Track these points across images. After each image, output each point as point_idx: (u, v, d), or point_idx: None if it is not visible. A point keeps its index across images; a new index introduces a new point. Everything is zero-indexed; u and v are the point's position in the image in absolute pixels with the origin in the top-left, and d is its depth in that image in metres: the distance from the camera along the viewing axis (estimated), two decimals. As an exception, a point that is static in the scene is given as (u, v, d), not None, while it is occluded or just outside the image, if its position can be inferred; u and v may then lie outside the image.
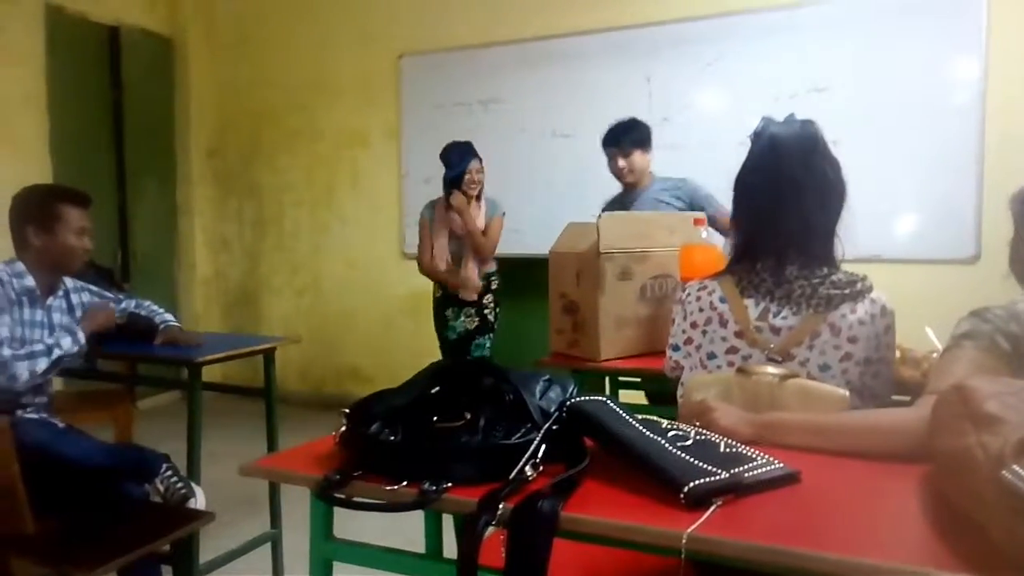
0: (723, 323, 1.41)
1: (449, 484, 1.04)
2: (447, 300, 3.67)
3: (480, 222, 3.58)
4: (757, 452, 1.09)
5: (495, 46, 4.65)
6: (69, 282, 2.36)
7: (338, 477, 1.08)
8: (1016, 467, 0.75)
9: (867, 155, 3.68)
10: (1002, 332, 1.19)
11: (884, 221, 3.76)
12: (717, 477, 0.98)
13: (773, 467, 1.05)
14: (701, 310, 1.44)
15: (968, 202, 3.61)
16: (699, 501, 0.95)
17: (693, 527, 0.89)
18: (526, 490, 1.01)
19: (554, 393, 1.21)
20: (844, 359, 1.33)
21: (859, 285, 1.37)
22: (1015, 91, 3.52)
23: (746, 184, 1.47)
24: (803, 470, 1.05)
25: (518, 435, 1.10)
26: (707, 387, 1.35)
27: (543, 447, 1.08)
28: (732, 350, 1.39)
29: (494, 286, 3.71)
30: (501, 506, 0.99)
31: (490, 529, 0.99)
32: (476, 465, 1.07)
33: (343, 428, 1.16)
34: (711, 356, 1.41)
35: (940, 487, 0.98)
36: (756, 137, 1.46)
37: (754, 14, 4.03)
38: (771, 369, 1.30)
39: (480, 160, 3.57)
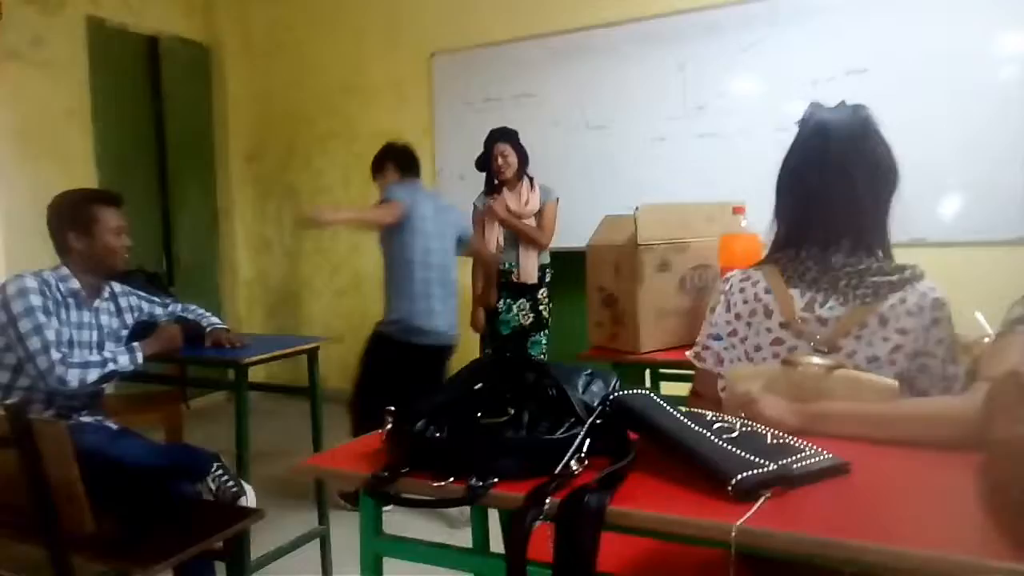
0: (768, 314, 1.38)
1: (495, 479, 1.05)
2: (498, 290, 3.64)
3: (534, 205, 3.59)
4: (805, 443, 1.08)
5: (525, 41, 4.64)
6: (116, 286, 2.43)
7: (386, 474, 1.09)
8: (1076, 454, 0.73)
9: (908, 136, 3.54)
10: (1059, 316, 1.16)
11: (928, 203, 3.67)
12: (765, 469, 0.98)
13: (822, 458, 1.03)
14: (746, 301, 1.41)
15: (1016, 181, 3.50)
16: (747, 493, 0.94)
17: (743, 519, 0.88)
18: (572, 484, 1.01)
19: (596, 387, 1.21)
20: (894, 351, 1.29)
21: (908, 273, 1.32)
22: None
23: (792, 170, 1.43)
24: (852, 460, 1.04)
25: (562, 430, 1.10)
26: (751, 379, 1.33)
27: (588, 441, 1.08)
28: (778, 341, 1.36)
29: (548, 279, 3.70)
30: (548, 500, 0.99)
31: (537, 523, 1.00)
32: (521, 460, 1.07)
33: (388, 426, 1.18)
34: (757, 348, 1.39)
35: (997, 476, 0.95)
36: (803, 123, 1.43)
37: (786, -2, 3.96)
38: (817, 360, 1.27)
39: (512, 143, 3.58)
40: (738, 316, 1.42)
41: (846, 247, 1.35)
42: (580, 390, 1.19)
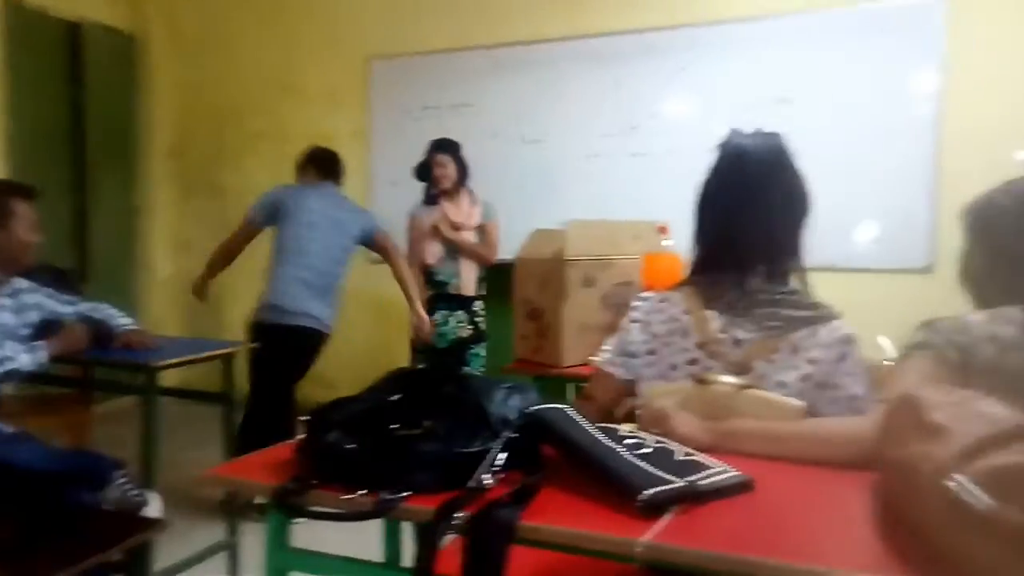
0: (685, 335, 1.40)
1: (408, 493, 1.03)
2: (435, 302, 3.62)
3: (474, 219, 3.58)
4: (713, 460, 1.10)
5: (465, 51, 4.65)
6: (21, 282, 2.31)
7: (295, 486, 1.07)
8: (958, 476, 0.77)
9: (826, 166, 3.71)
10: (952, 343, 1.22)
11: (842, 231, 3.83)
12: (673, 485, 0.99)
13: (728, 475, 1.06)
14: (664, 321, 1.43)
15: (923, 213, 3.70)
16: (655, 508, 0.96)
17: (648, 535, 0.89)
18: (484, 498, 1.01)
19: (515, 401, 1.21)
20: (802, 380, 1.32)
21: (822, 311, 1.36)
22: (971, 106, 3.61)
23: (710, 194, 1.46)
24: (758, 477, 1.07)
25: (478, 443, 1.10)
26: (666, 396, 1.36)
27: (502, 455, 1.08)
28: (693, 362, 1.39)
29: (484, 291, 3.69)
30: (459, 514, 0.98)
31: (449, 538, 0.99)
32: (435, 473, 1.06)
33: (301, 436, 1.15)
34: (673, 367, 1.40)
35: (889, 495, 1.00)
36: (722, 148, 1.46)
37: (721, 25, 4.09)
38: (729, 379, 1.31)
39: (452, 154, 3.58)
40: (655, 336, 1.44)
41: (762, 272, 1.39)
42: (498, 403, 1.18)
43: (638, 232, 2.29)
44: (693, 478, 1.02)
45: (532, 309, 2.23)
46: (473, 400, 1.16)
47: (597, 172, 4.35)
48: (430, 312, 3.60)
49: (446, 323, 3.60)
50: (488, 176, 4.50)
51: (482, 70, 4.63)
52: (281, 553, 1.18)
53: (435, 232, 3.57)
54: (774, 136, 1.44)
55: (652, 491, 0.97)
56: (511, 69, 4.55)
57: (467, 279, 3.60)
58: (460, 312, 3.61)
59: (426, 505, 1.01)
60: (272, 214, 3.32)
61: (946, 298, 1.47)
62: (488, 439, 1.11)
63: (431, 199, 3.65)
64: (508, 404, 1.19)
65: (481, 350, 3.65)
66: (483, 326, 3.66)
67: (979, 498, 0.75)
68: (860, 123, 3.82)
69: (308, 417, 1.17)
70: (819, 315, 1.35)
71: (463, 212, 3.60)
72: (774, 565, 0.85)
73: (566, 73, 4.42)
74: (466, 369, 3.55)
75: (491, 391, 1.19)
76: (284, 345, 3.22)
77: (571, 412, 1.17)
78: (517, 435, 1.11)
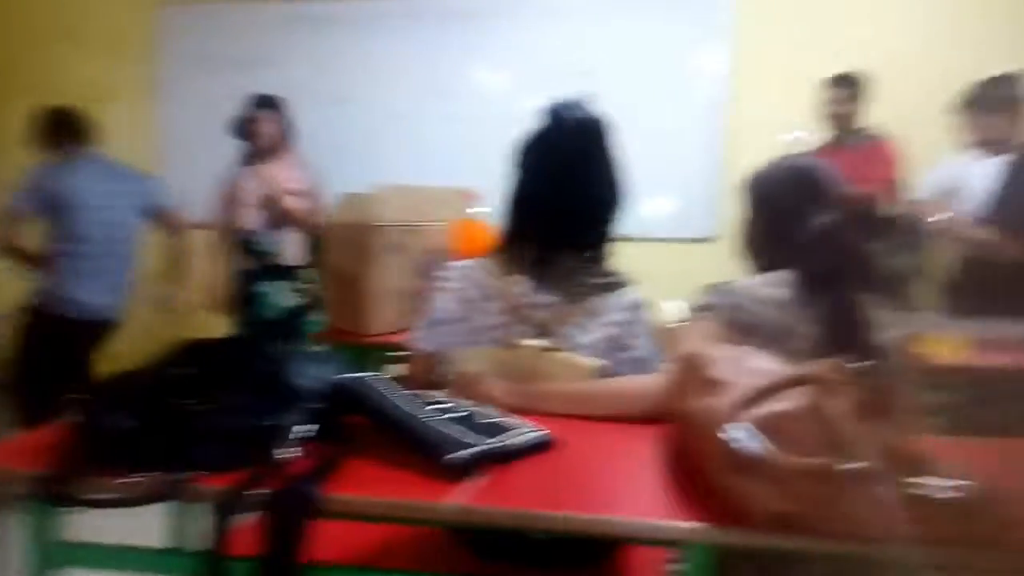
0: (493, 300, 1.41)
1: (195, 472, 0.96)
2: (261, 273, 3.35)
3: (298, 183, 3.34)
4: (519, 420, 1.13)
5: (268, 3, 4.36)
6: None
7: (61, 472, 0.95)
8: (736, 424, 0.84)
9: (626, 137, 3.94)
10: (730, 305, 1.34)
11: (637, 200, 4.06)
12: (478, 446, 1.00)
13: (533, 434, 1.09)
14: (475, 287, 1.42)
15: (709, 186, 4.02)
16: (462, 471, 0.96)
17: (452, 498, 0.90)
18: (285, 473, 0.97)
19: (320, 370, 1.16)
20: (601, 341, 1.38)
21: (619, 278, 1.43)
22: (753, 87, 3.95)
23: (530, 163, 1.45)
24: (562, 436, 1.11)
25: (279, 416, 1.04)
26: (473, 361, 1.37)
27: (304, 427, 1.03)
28: (501, 327, 1.40)
29: (312, 259, 3.46)
30: (256, 491, 0.93)
31: (246, 516, 0.93)
32: (228, 450, 0.99)
33: (74, 415, 1.03)
34: (482, 332, 1.41)
35: (676, 445, 1.08)
36: (543, 119, 1.45)
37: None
38: (533, 342, 1.35)
39: (273, 111, 3.33)
40: (465, 301, 1.43)
41: (571, 242, 1.42)
42: (301, 373, 1.13)
43: (448, 198, 2.28)
44: (498, 438, 1.04)
45: (341, 276, 2.16)
46: (273, 371, 1.10)
47: (407, 136, 4.28)
48: (251, 285, 3.35)
49: (267, 295, 3.35)
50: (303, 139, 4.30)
51: (285, 24, 4.36)
52: (45, 547, 1.05)
53: (263, 199, 3.30)
54: (595, 111, 1.45)
55: (458, 454, 0.97)
56: (315, 25, 4.33)
57: (292, 248, 3.38)
58: (284, 282, 3.38)
59: (220, 485, 0.94)
60: (39, 201, 2.98)
61: (727, 266, 1.61)
62: (290, 411, 1.05)
63: (250, 159, 3.39)
64: (312, 374, 1.14)
65: (318, 318, 3.46)
66: (318, 294, 3.47)
67: (751, 443, 0.82)
68: (656, 99, 4.05)
69: (81, 394, 1.04)
70: (616, 282, 1.42)
71: (287, 175, 3.37)
72: (574, 518, 0.88)
73: (372, 32, 4.29)
74: (300, 339, 3.36)
75: (292, 360, 1.13)
76: (60, 337, 2.96)
77: (378, 380, 1.15)
78: (321, 406, 1.07)
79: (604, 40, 4.09)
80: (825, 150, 3.48)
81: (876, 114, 3.50)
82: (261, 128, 3.29)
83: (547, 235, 1.42)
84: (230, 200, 3.35)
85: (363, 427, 1.10)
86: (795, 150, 3.37)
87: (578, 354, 1.36)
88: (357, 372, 1.16)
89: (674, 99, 4.06)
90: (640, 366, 1.38)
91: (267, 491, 0.93)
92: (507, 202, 1.48)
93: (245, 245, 3.35)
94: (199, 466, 0.96)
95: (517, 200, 1.46)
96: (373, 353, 2.35)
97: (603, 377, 1.34)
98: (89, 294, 3.03)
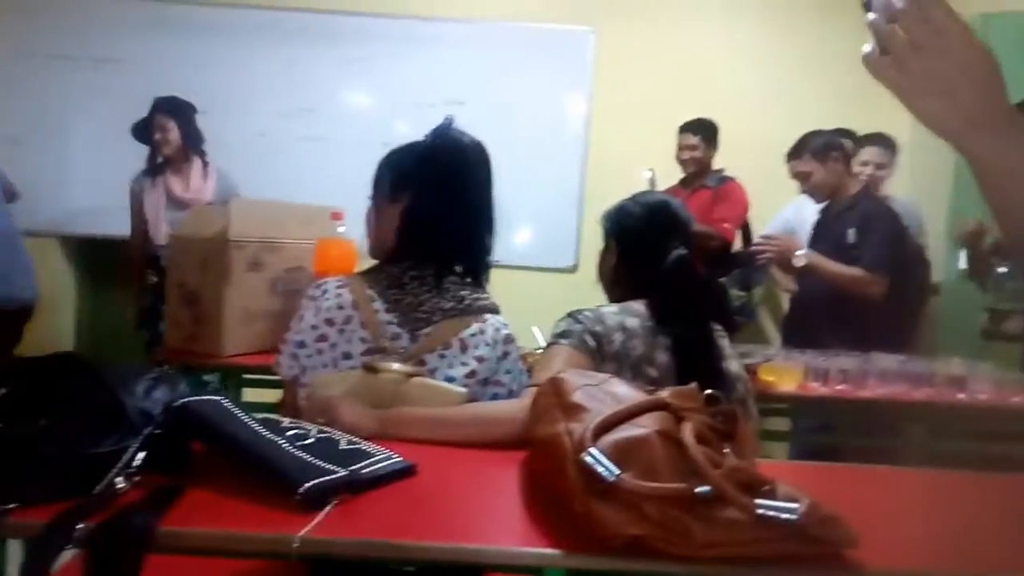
0: (359, 324, 1.38)
1: (14, 505, 0.86)
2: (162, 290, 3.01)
3: (203, 193, 3.10)
4: (378, 447, 1.09)
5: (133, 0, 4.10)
6: None
7: None
8: (593, 449, 0.85)
9: (495, 169, 4.02)
10: (590, 332, 1.37)
11: (505, 230, 4.12)
12: (335, 475, 0.96)
13: (392, 461, 1.06)
14: (340, 307, 1.38)
15: (571, 219, 4.15)
16: (316, 501, 0.92)
17: (306, 529, 0.85)
18: (116, 505, 0.88)
19: (160, 393, 1.08)
20: (469, 375, 1.38)
21: (488, 303, 1.44)
22: (611, 127, 4.14)
23: (400, 186, 1.44)
24: (421, 462, 1.08)
25: (110, 442, 0.95)
26: (334, 385, 1.33)
27: (140, 454, 0.95)
28: (368, 351, 1.37)
29: None
30: (82, 525, 0.84)
31: (65, 553, 0.84)
32: (54, 480, 0.90)
33: None
34: (347, 356, 1.37)
35: (536, 470, 1.08)
36: (428, 141, 1.45)
37: (400, 20, 4.15)
38: (397, 366, 1.32)
39: (176, 116, 3.10)
40: (330, 322, 1.39)
41: (445, 267, 1.42)
42: (139, 396, 1.05)
43: (310, 216, 2.21)
44: (356, 467, 1.00)
45: (189, 293, 2.03)
46: (107, 393, 1.01)
47: (268, 152, 4.14)
48: (157, 304, 3.06)
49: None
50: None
51: (135, 23, 4.10)
52: None
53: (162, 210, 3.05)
54: (477, 142, 1.47)
55: (312, 483, 0.93)
56: (170, 28, 4.11)
57: None
58: None
59: (40, 519, 0.84)
60: None
61: (587, 295, 1.66)
62: (125, 437, 0.97)
63: (153, 168, 3.13)
64: (152, 396, 1.05)
65: None
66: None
67: (606, 467, 0.83)
68: (523, 133, 4.15)
69: None
70: (485, 307, 1.42)
71: (190, 185, 3.14)
72: (428, 547, 0.86)
73: (235, 41, 4.13)
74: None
75: (130, 382, 1.04)
76: None
77: (227, 404, 1.08)
78: (160, 431, 0.99)
79: (474, 72, 4.16)
80: (679, 189, 3.70)
81: (727, 158, 3.76)
82: (159, 135, 3.08)
83: (422, 259, 1.41)
84: (136, 209, 3.11)
85: (210, 454, 1.03)
86: (650, 187, 3.57)
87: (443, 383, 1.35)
88: (206, 395, 1.09)
89: (540, 133, 4.18)
90: (503, 396, 1.40)
91: (93, 525, 0.84)
92: (379, 222, 1.46)
93: (151, 261, 3.09)
94: (20, 498, 0.86)
95: (389, 221, 1.44)
96: (227, 375, 2.23)
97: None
98: None
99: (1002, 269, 2.62)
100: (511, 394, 1.40)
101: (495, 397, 1.40)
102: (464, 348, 1.38)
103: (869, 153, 3.35)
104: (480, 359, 1.38)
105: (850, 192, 2.94)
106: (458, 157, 1.43)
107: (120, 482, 0.92)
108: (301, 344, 1.40)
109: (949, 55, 0.70)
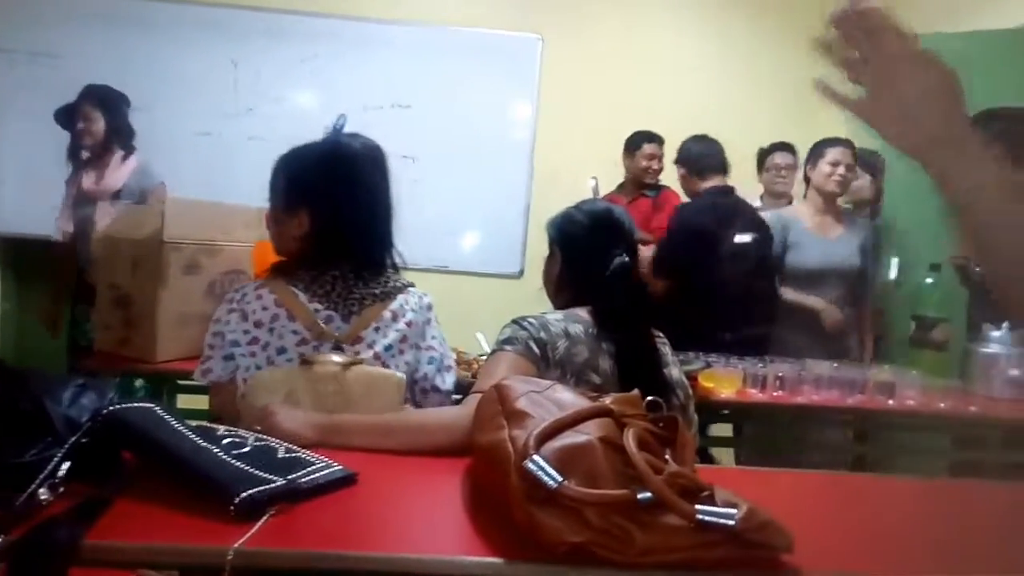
0: (292, 318, 1.38)
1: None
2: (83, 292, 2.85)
3: (113, 184, 2.95)
4: (317, 456, 1.07)
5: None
6: None
7: None
8: (536, 457, 0.85)
9: (441, 174, 4.02)
10: (534, 338, 1.37)
11: (451, 235, 4.12)
12: (272, 484, 0.94)
13: (331, 470, 1.04)
14: (264, 308, 1.39)
15: (517, 225, 4.16)
16: (251, 511, 0.89)
17: (241, 541, 0.83)
18: (39, 517, 0.85)
19: (88, 400, 1.04)
20: (402, 341, 1.43)
21: (405, 281, 1.51)
22: (556, 135, 4.17)
23: (308, 190, 1.47)
24: (362, 470, 1.07)
25: (34, 451, 0.91)
26: (272, 388, 1.30)
27: (66, 464, 0.91)
28: (303, 342, 1.37)
29: None
30: (1, 538, 0.80)
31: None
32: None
33: None
34: (281, 351, 1.37)
35: (478, 478, 1.08)
36: (322, 149, 1.49)
37: (349, 21, 4.10)
38: (335, 357, 1.33)
39: (100, 105, 2.96)
40: (258, 324, 1.39)
41: (358, 263, 1.45)
42: (65, 404, 1.01)
43: (251, 218, 2.15)
44: (294, 476, 0.98)
45: (120, 295, 1.96)
46: (30, 400, 0.96)
47: (210, 151, 4.04)
48: (76, 303, 2.90)
49: (88, 320, 2.87)
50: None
51: (75, 16, 3.96)
52: None
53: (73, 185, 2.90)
54: (374, 146, 1.51)
55: (248, 492, 0.90)
56: (112, 22, 3.98)
57: None
58: None
59: (-46, 533, 0.80)
60: None
61: (533, 301, 1.66)
62: (49, 446, 0.93)
63: (75, 158, 2.98)
64: (79, 403, 1.02)
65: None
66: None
67: (549, 475, 0.83)
68: (469, 138, 4.15)
69: None
70: (405, 284, 1.49)
71: (104, 179, 3.00)
72: (367, 557, 0.85)
73: (178, 39, 4.02)
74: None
75: (56, 389, 1.00)
76: None
77: (160, 411, 1.05)
78: (87, 440, 0.95)
79: (422, 76, 4.13)
80: (618, 197, 3.75)
81: (671, 167, 3.83)
82: (83, 124, 2.94)
83: (334, 254, 1.44)
84: (64, 207, 2.95)
85: (141, 464, 0.99)
86: (593, 195, 3.61)
87: (378, 363, 1.38)
88: (137, 402, 1.05)
89: (486, 139, 4.18)
90: (438, 364, 1.47)
91: (14, 537, 0.81)
92: (278, 231, 1.50)
93: (70, 259, 2.94)
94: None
95: (302, 222, 1.46)
96: (161, 381, 2.15)
97: (408, 385, 1.40)
98: None
99: (929, 280, 2.72)
100: (442, 358, 1.49)
101: (431, 362, 1.46)
102: (395, 317, 1.44)
103: (781, 157, 3.52)
104: (409, 324, 1.45)
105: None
106: (350, 165, 1.47)
107: (44, 493, 0.88)
108: (235, 343, 1.39)
109: (908, 81, 0.73)
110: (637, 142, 3.73)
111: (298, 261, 1.45)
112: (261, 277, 1.98)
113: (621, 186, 3.84)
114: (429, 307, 1.50)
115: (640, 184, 3.76)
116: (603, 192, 3.75)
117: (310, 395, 1.30)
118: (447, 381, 1.49)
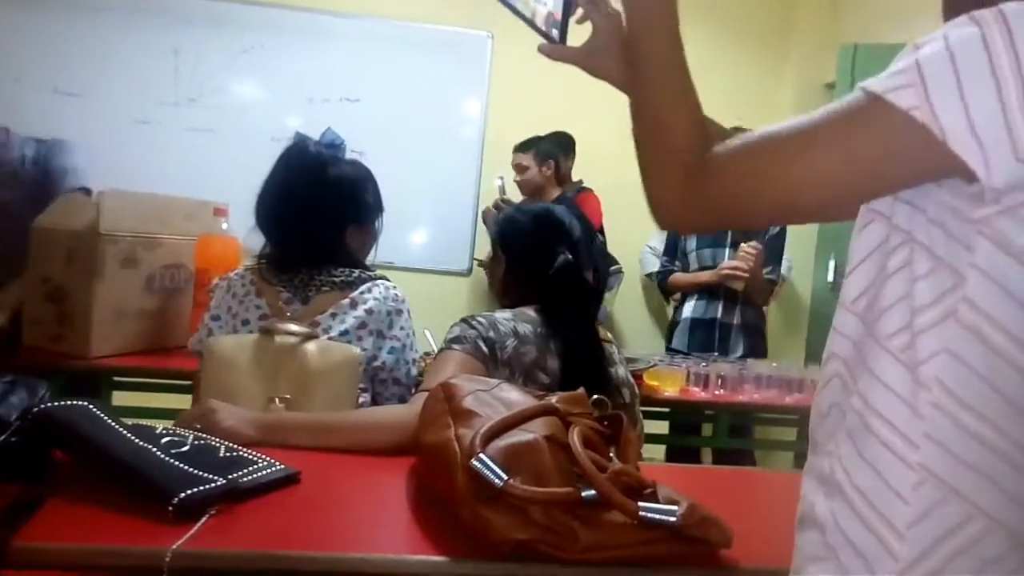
0: (259, 295, 1.47)
1: None
2: None
3: None
4: (258, 455, 1.05)
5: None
6: None
7: None
8: (482, 455, 0.85)
9: (389, 170, 3.94)
10: (483, 337, 1.38)
11: (399, 231, 4.09)
12: (212, 484, 0.92)
13: (273, 469, 1.02)
14: (243, 285, 1.49)
15: (466, 223, 4.16)
16: (190, 512, 0.87)
17: (179, 542, 0.81)
18: (-38, 520, 0.81)
19: (18, 398, 1.00)
20: (360, 327, 1.44)
21: (376, 275, 1.53)
22: (505, 132, 4.16)
23: (271, 192, 1.52)
24: (305, 470, 1.05)
25: (-43, 451, 0.88)
26: (232, 348, 1.34)
27: (-8, 464, 0.88)
28: (263, 317, 1.44)
29: None
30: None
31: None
32: None
33: None
34: (245, 322, 1.45)
35: (424, 477, 1.07)
36: (288, 151, 1.52)
37: (295, 11, 4.02)
38: (294, 327, 1.34)
39: None
40: (234, 295, 1.48)
41: (318, 257, 1.49)
42: (-7, 400, 0.97)
43: (192, 211, 2.10)
44: (235, 475, 0.96)
45: (53, 289, 1.89)
46: (-45, 398, 0.92)
47: (148, 141, 3.92)
48: None
49: None
50: (13, 127, 3.74)
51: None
52: None
53: None
54: (338, 146, 1.56)
55: (187, 493, 0.88)
56: (44, 8, 3.83)
57: None
58: None
59: None
60: None
61: (480, 299, 1.66)
62: (-27, 445, 0.89)
63: None
64: (8, 402, 0.98)
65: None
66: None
67: (495, 473, 0.84)
68: (419, 134, 4.11)
69: None
70: (372, 276, 1.51)
71: None
72: (310, 557, 0.84)
73: (114, 25, 3.89)
74: None
75: (-17, 386, 0.96)
76: None
77: (94, 409, 1.01)
78: (16, 439, 0.92)
79: (370, 70, 4.09)
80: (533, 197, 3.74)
81: (614, 168, 3.87)
82: None
83: (295, 251, 1.50)
84: None
85: (75, 463, 0.96)
86: (499, 195, 3.67)
87: (340, 341, 1.40)
88: (69, 400, 1.02)
89: (435, 135, 4.16)
90: (398, 354, 1.48)
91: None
92: (259, 221, 1.54)
93: None
94: None
95: (269, 221, 1.53)
96: (96, 378, 2.08)
97: (368, 374, 1.42)
98: None
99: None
100: (404, 349, 1.49)
101: (391, 351, 1.47)
102: (354, 304, 1.45)
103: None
104: (370, 311, 1.45)
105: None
106: (299, 166, 1.51)
107: (-33, 495, 0.84)
108: (216, 317, 1.49)
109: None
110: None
111: (265, 256, 1.54)
112: (203, 271, 1.96)
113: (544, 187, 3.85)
114: (398, 299, 1.51)
115: (537, 191, 3.69)
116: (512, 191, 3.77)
117: (267, 364, 1.31)
118: (408, 374, 1.51)
